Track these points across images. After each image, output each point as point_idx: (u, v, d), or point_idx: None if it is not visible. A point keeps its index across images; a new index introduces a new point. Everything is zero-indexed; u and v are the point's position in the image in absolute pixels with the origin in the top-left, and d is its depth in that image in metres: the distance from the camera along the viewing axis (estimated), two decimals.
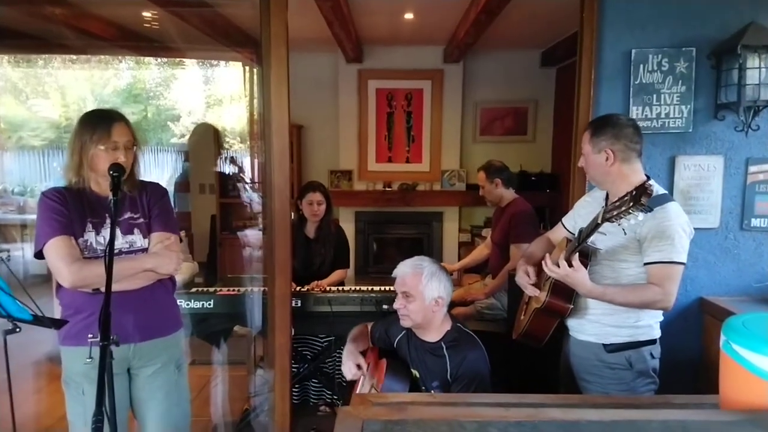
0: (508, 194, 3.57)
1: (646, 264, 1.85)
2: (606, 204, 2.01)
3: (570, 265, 1.79)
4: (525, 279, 2.08)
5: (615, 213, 1.58)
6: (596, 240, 1.82)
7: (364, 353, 2.24)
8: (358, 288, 3.14)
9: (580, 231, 1.80)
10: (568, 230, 2.25)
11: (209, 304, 2.96)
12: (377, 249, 6.27)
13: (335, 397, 3.34)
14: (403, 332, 2.17)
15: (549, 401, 1.47)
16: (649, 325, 1.97)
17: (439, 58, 5.83)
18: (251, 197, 5.79)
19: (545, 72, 6.09)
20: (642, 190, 1.49)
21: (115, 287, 1.63)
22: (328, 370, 3.34)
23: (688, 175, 2.43)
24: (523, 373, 2.80)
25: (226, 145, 6.59)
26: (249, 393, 3.48)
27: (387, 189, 5.98)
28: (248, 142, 6.46)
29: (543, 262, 1.87)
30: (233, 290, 3.06)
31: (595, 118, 2.02)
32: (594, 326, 1.98)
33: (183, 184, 6.64)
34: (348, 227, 6.02)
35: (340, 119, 5.98)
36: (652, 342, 1.97)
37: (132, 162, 1.95)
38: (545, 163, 6.20)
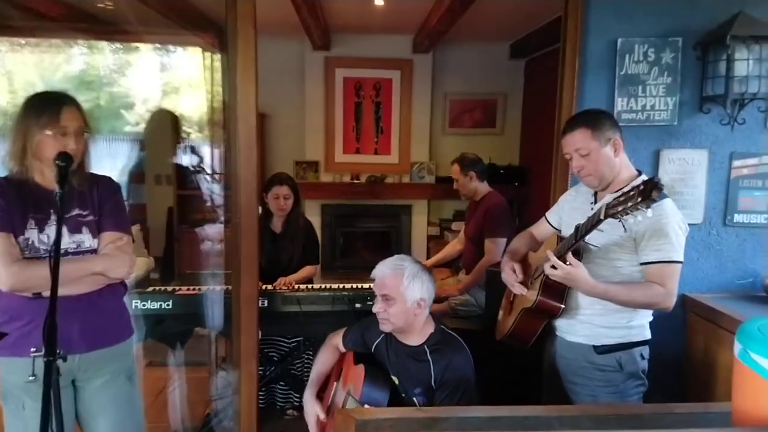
0: (483, 187, 3.48)
1: (644, 263, 1.76)
2: (596, 198, 1.92)
3: (565, 262, 1.69)
4: (512, 277, 1.97)
5: (620, 209, 1.47)
6: (592, 237, 1.72)
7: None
8: (328, 286, 2.98)
9: (577, 227, 1.69)
10: (552, 226, 2.16)
11: (167, 305, 2.74)
12: (344, 243, 6.12)
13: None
14: (382, 336, 2.02)
15: (546, 413, 1.36)
16: (642, 325, 1.89)
17: (408, 48, 5.69)
18: (212, 189, 5.53)
19: (514, 64, 6.02)
20: (652, 184, 1.38)
21: (59, 291, 1.45)
22: (296, 372, 3.18)
23: (673, 170, 2.36)
24: (502, 373, 2.71)
25: (184, 135, 6.30)
26: (211, 396, 3.29)
27: (354, 181, 5.82)
28: (207, 132, 6.19)
29: (546, 263, 1.75)
30: (193, 289, 2.86)
31: (578, 117, 1.88)
32: (585, 327, 1.89)
33: (138, 174, 6.32)
34: (314, 220, 5.75)
35: (306, 108, 5.78)
36: (644, 343, 1.89)
37: (82, 151, 1.75)
38: (513, 157, 6.15)
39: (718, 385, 2.18)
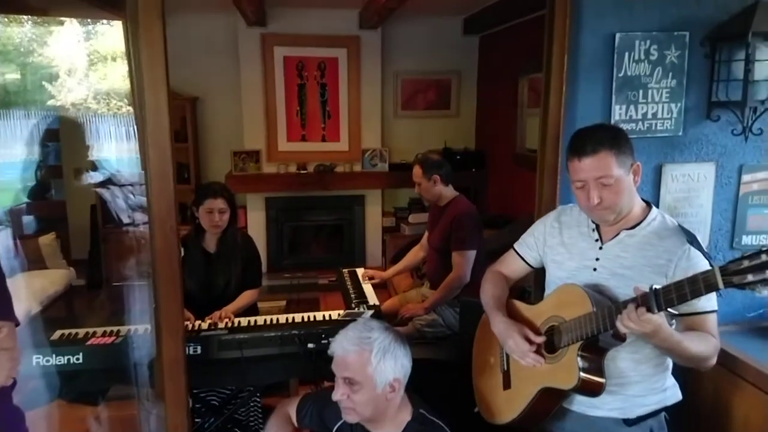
0: (448, 192, 3.09)
1: (683, 315, 1.45)
2: (599, 234, 1.58)
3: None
4: (525, 346, 1.57)
5: (752, 278, 1.09)
6: (619, 289, 1.49)
7: None
8: (275, 321, 2.55)
9: (656, 291, 1.28)
10: (527, 263, 1.81)
11: (77, 359, 2.23)
12: (292, 239, 5.62)
13: None
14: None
15: None
16: (674, 384, 1.62)
17: (354, 24, 5.14)
18: (132, 203, 4.88)
19: (468, 40, 5.61)
20: None
21: None
22: (240, 417, 2.74)
23: (676, 188, 2.02)
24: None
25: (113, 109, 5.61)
26: None
27: (301, 171, 5.30)
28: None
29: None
30: (110, 335, 2.36)
31: (596, 135, 1.44)
32: (616, 399, 1.55)
33: (54, 167, 5.63)
34: (257, 216, 5.33)
35: (243, 91, 5.18)
36: (675, 405, 1.61)
37: None
38: (469, 140, 5.79)
39: None
